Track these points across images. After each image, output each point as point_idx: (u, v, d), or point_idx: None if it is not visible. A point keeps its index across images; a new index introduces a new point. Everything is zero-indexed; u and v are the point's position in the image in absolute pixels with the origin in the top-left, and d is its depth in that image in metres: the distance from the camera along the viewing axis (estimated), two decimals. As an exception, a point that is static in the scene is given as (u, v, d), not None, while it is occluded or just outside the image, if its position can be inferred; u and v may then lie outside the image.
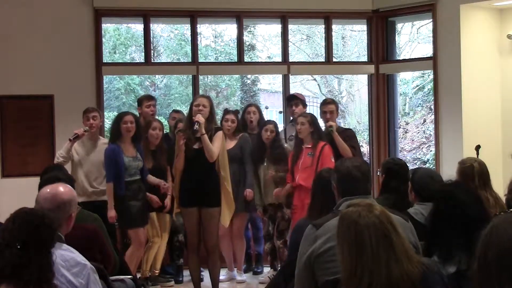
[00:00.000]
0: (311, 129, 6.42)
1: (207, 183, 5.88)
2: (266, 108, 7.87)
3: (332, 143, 6.49)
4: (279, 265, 6.89)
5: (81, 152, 6.51)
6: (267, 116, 14.03)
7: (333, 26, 8.66)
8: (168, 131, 7.42)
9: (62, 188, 3.35)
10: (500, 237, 2.08)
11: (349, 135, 6.76)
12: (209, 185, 5.89)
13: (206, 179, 5.87)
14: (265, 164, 6.83)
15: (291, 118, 7.29)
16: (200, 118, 5.75)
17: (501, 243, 2.06)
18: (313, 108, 14.06)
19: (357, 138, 7.20)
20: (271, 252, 7.03)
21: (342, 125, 6.73)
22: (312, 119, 6.50)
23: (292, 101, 7.22)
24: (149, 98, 7.29)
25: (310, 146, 6.42)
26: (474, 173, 4.50)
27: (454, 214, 3.05)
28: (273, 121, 7.23)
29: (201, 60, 8.50)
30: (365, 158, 10.32)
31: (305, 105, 7.29)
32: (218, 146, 5.85)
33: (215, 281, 6.09)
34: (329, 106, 6.83)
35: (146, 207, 6.41)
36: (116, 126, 6.34)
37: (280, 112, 8.10)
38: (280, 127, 7.44)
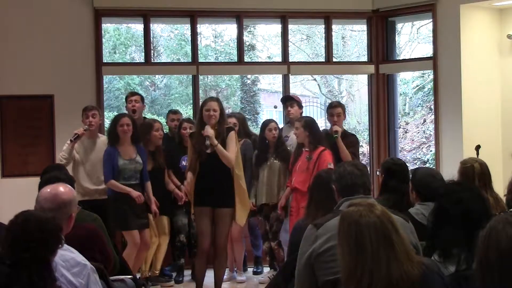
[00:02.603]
0: (307, 133, 6.38)
1: (221, 183, 5.86)
2: (275, 107, 7.83)
3: (334, 147, 6.48)
4: (278, 265, 6.89)
5: (81, 151, 6.50)
6: (266, 115, 14.06)
7: (333, 26, 8.66)
8: (166, 131, 7.40)
9: (62, 188, 3.36)
10: (499, 237, 2.09)
11: (352, 141, 6.72)
12: (224, 186, 5.88)
13: (220, 180, 5.86)
14: (268, 163, 6.82)
15: (288, 119, 7.30)
16: (208, 131, 5.74)
17: (501, 244, 2.07)
18: (313, 108, 14.10)
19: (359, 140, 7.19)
20: (270, 252, 7.03)
21: (342, 124, 6.71)
22: (306, 123, 6.43)
23: (287, 102, 7.22)
24: (132, 94, 7.26)
25: (308, 150, 6.41)
26: (474, 174, 4.51)
27: (456, 211, 3.05)
28: (273, 119, 7.23)
29: (201, 60, 8.49)
30: (365, 158, 10.34)
31: (300, 106, 7.27)
32: (233, 150, 5.86)
33: (219, 282, 6.07)
34: (337, 109, 6.79)
35: (145, 210, 6.40)
36: (113, 129, 6.34)
37: (275, 107, 8.07)
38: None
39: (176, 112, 7.53)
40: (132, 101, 7.02)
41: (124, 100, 7.54)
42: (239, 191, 5.97)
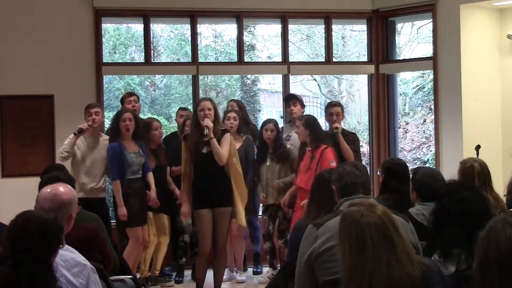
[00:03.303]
0: (308, 132, 6.37)
1: (218, 184, 5.89)
2: (281, 117, 7.92)
3: (336, 145, 6.48)
4: (278, 265, 6.89)
5: (83, 149, 6.51)
6: (266, 115, 14.06)
7: (333, 26, 8.66)
8: (171, 131, 7.46)
9: (62, 188, 3.36)
10: (499, 238, 2.09)
11: (352, 139, 6.75)
12: (221, 186, 5.90)
13: (217, 181, 5.88)
14: (267, 163, 6.83)
15: (289, 118, 7.30)
16: (208, 123, 5.76)
17: (500, 244, 2.07)
18: (314, 108, 14.08)
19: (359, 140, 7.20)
20: (270, 251, 7.03)
21: (342, 125, 6.71)
22: (307, 122, 6.41)
23: (290, 100, 7.22)
24: (130, 94, 7.30)
25: (310, 148, 6.41)
26: (474, 174, 4.50)
27: (457, 211, 3.05)
28: (273, 119, 7.22)
29: (201, 60, 8.49)
30: (365, 158, 10.34)
31: (303, 106, 7.28)
32: (227, 149, 5.87)
33: (219, 281, 6.09)
34: (335, 108, 6.81)
35: (146, 205, 6.43)
36: (115, 124, 6.35)
37: (282, 117, 8.12)
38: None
39: (185, 109, 7.70)
40: (131, 101, 7.04)
41: (119, 101, 7.56)
42: (239, 190, 5.98)
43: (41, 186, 3.80)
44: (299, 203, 6.32)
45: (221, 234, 5.97)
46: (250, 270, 7.44)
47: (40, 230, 2.76)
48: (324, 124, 7.80)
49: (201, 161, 5.86)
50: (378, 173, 7.27)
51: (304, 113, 7.26)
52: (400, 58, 10.41)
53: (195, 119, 5.93)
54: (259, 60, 13.80)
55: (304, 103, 7.45)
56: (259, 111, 14.81)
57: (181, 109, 7.63)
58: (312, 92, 15.70)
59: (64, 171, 4.98)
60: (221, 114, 6.62)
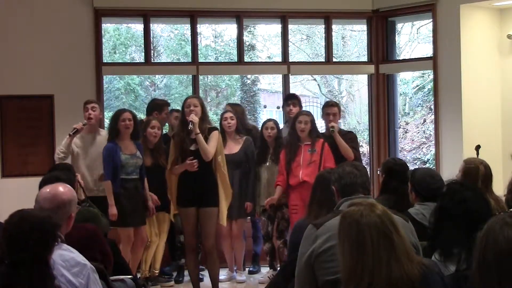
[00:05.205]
0: (311, 128, 6.49)
1: (204, 183, 5.89)
2: (265, 107, 7.90)
3: (333, 144, 6.50)
4: (278, 265, 6.89)
5: (81, 146, 6.49)
6: (266, 115, 14.07)
7: (333, 26, 8.66)
8: (166, 130, 7.42)
9: (62, 188, 3.35)
10: (497, 238, 2.08)
11: (351, 138, 6.78)
12: (207, 185, 5.90)
13: (203, 179, 5.88)
14: (267, 164, 6.82)
15: (287, 119, 7.27)
16: (193, 117, 5.76)
17: (499, 245, 2.07)
18: (314, 108, 14.08)
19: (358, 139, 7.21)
20: (270, 252, 7.03)
21: (342, 125, 6.74)
22: (313, 117, 6.61)
23: (290, 100, 7.21)
24: (167, 103, 7.35)
25: (309, 143, 6.44)
26: (479, 176, 4.46)
27: (458, 211, 3.05)
28: (273, 119, 7.24)
29: (201, 60, 8.50)
30: (365, 158, 10.34)
31: (300, 107, 7.27)
32: (214, 146, 5.86)
33: (214, 281, 6.10)
34: (333, 108, 6.86)
35: (143, 206, 6.40)
36: (114, 124, 6.34)
37: (278, 108, 8.08)
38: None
39: (179, 111, 7.55)
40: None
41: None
42: (224, 189, 5.98)
43: (40, 185, 3.80)
44: (298, 203, 6.29)
45: (209, 235, 5.95)
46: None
47: (36, 228, 2.76)
48: (325, 125, 7.79)
49: (187, 158, 5.85)
50: (378, 173, 7.27)
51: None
52: (400, 58, 10.41)
53: (182, 117, 5.94)
54: (259, 60, 13.81)
55: (301, 104, 7.42)
56: (258, 113, 14.79)
57: (175, 110, 7.38)
58: (312, 92, 15.71)
59: (67, 172, 4.92)
60: (219, 112, 6.60)
